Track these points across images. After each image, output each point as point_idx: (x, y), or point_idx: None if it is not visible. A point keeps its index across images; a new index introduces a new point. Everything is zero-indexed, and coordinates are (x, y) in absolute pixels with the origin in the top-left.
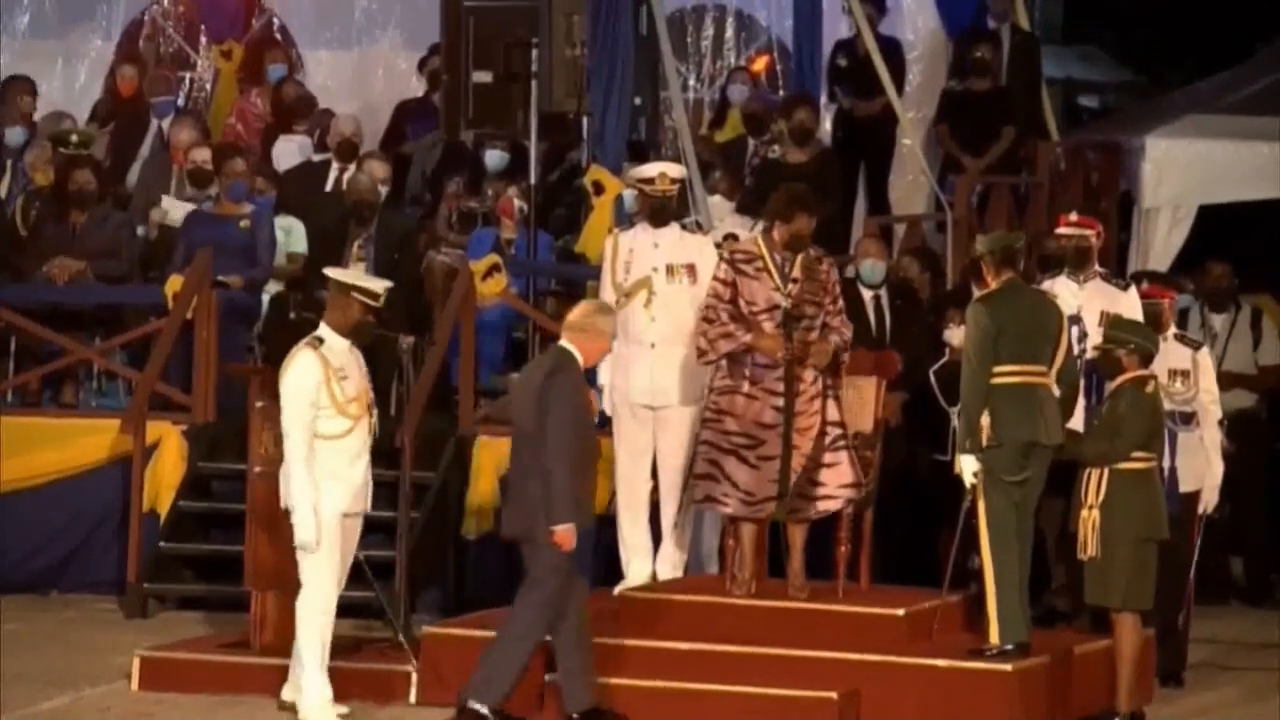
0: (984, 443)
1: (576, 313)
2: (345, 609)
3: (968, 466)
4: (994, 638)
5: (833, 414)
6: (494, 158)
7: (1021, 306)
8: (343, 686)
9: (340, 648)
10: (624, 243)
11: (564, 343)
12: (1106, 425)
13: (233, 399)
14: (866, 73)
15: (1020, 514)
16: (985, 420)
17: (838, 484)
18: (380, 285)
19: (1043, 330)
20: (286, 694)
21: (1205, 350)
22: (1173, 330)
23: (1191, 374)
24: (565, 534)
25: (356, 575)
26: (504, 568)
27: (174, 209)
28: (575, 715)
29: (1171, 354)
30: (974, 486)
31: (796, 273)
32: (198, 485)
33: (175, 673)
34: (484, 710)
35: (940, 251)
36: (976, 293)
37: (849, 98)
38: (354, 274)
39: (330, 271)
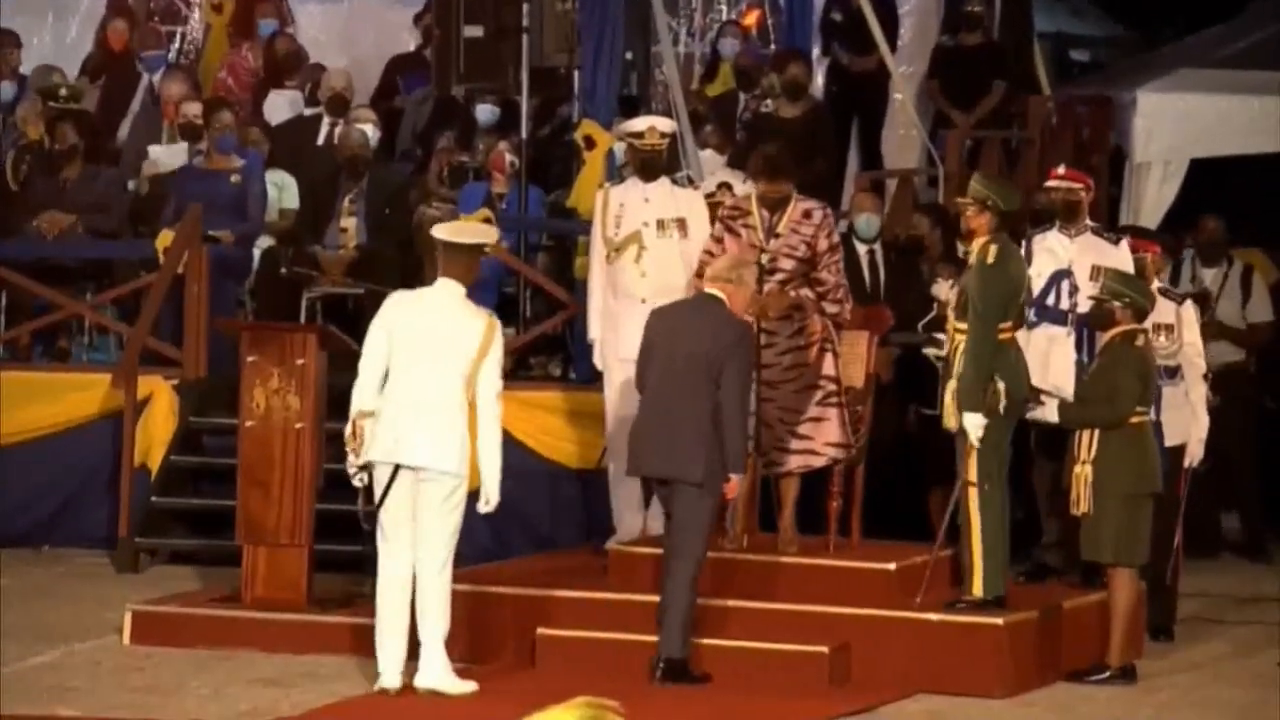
0: (1002, 402)
1: (725, 264)
2: (337, 564)
3: (973, 424)
4: (977, 589)
5: (828, 368)
6: (485, 113)
7: (1018, 262)
8: (338, 640)
9: (339, 602)
10: (614, 197)
11: (713, 290)
12: (1102, 386)
13: (224, 354)
14: (860, 27)
15: (1004, 465)
16: (1001, 385)
17: (823, 440)
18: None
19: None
20: (423, 680)
21: (1189, 304)
22: (1156, 284)
23: (1175, 328)
24: (738, 484)
25: (358, 528)
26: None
27: (165, 156)
28: (661, 662)
29: (1157, 308)
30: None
31: (781, 228)
32: (189, 440)
33: (166, 627)
34: (684, 658)
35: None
36: (977, 241)
37: (845, 52)
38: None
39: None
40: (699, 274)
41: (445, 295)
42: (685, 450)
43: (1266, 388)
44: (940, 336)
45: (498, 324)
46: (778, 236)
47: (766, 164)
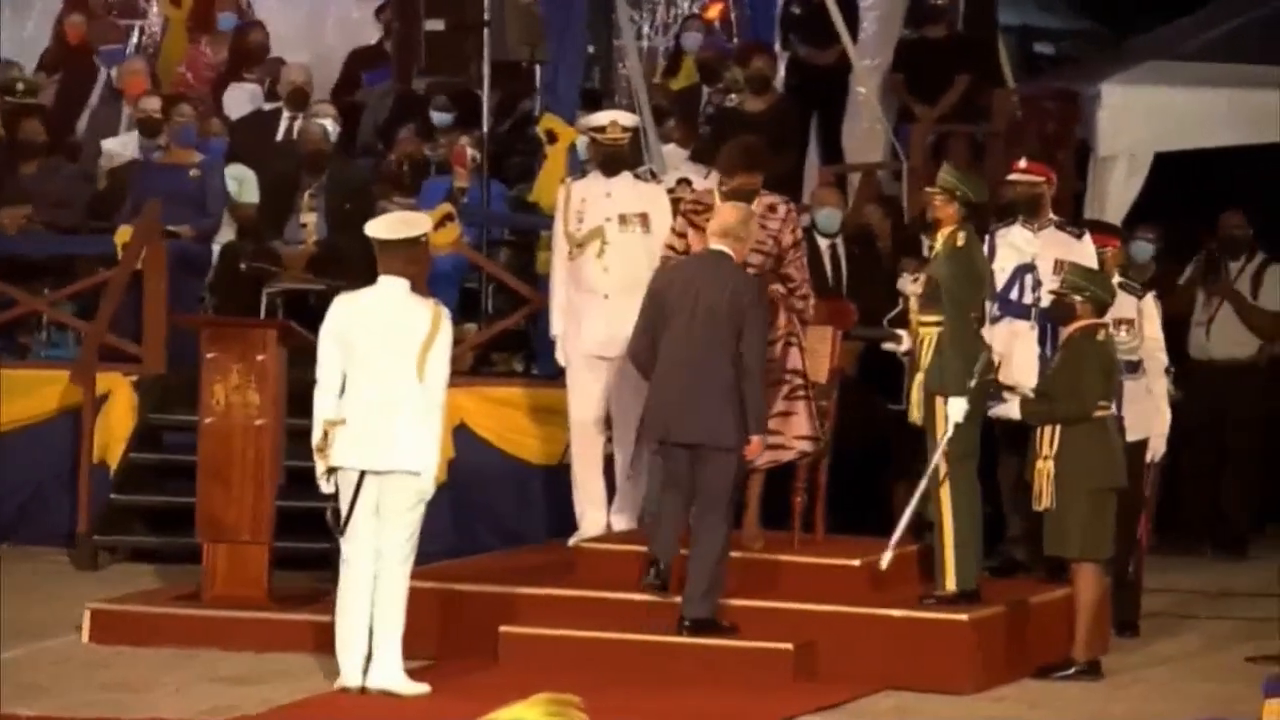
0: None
1: (733, 218)
2: (298, 561)
3: (958, 408)
4: (950, 584)
5: (794, 362)
6: (440, 118)
7: (982, 253)
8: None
9: (300, 600)
10: (576, 192)
11: (720, 246)
12: (1063, 381)
13: (183, 350)
14: (821, 20)
15: (976, 458)
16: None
17: (793, 434)
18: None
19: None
20: (375, 681)
21: (1150, 297)
22: (1117, 278)
23: (1136, 322)
24: (761, 444)
25: (319, 525)
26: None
27: (116, 147)
28: (688, 622)
29: (1117, 302)
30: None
31: None
32: (148, 437)
33: (126, 625)
34: (711, 617)
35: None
36: (944, 230)
37: (804, 46)
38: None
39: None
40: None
41: (388, 292)
42: (715, 414)
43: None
44: (900, 332)
45: (445, 313)
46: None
47: (746, 155)
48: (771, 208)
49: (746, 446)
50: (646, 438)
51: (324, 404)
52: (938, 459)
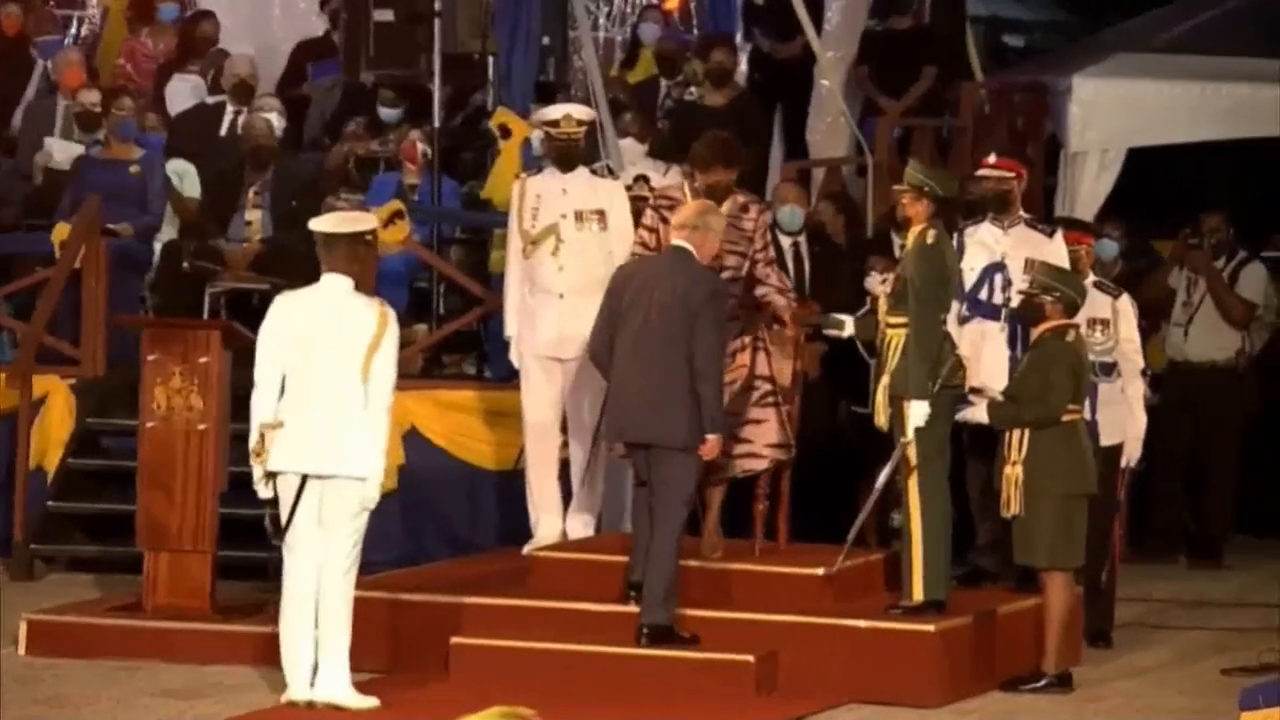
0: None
1: (691, 212)
2: (242, 570)
3: (919, 412)
4: (918, 593)
5: (761, 367)
6: (387, 114)
7: (952, 251)
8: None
9: (244, 610)
10: (531, 188)
11: (681, 242)
12: (1032, 384)
13: (123, 352)
14: (784, 11)
15: (946, 464)
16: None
17: (764, 443)
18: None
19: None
20: (321, 694)
21: (1125, 298)
22: (1092, 277)
23: (1112, 322)
24: (717, 443)
25: (259, 534)
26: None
27: (59, 151)
28: (646, 629)
29: (1091, 302)
30: (910, 439)
31: None
32: (87, 442)
33: (64, 637)
34: (670, 624)
35: (861, 197)
36: (914, 228)
37: (767, 39)
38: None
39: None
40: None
41: (331, 291)
42: (667, 413)
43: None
44: (840, 317)
45: (391, 313)
46: None
47: (723, 150)
48: (744, 207)
49: (702, 446)
50: (606, 438)
51: (261, 406)
52: (891, 467)
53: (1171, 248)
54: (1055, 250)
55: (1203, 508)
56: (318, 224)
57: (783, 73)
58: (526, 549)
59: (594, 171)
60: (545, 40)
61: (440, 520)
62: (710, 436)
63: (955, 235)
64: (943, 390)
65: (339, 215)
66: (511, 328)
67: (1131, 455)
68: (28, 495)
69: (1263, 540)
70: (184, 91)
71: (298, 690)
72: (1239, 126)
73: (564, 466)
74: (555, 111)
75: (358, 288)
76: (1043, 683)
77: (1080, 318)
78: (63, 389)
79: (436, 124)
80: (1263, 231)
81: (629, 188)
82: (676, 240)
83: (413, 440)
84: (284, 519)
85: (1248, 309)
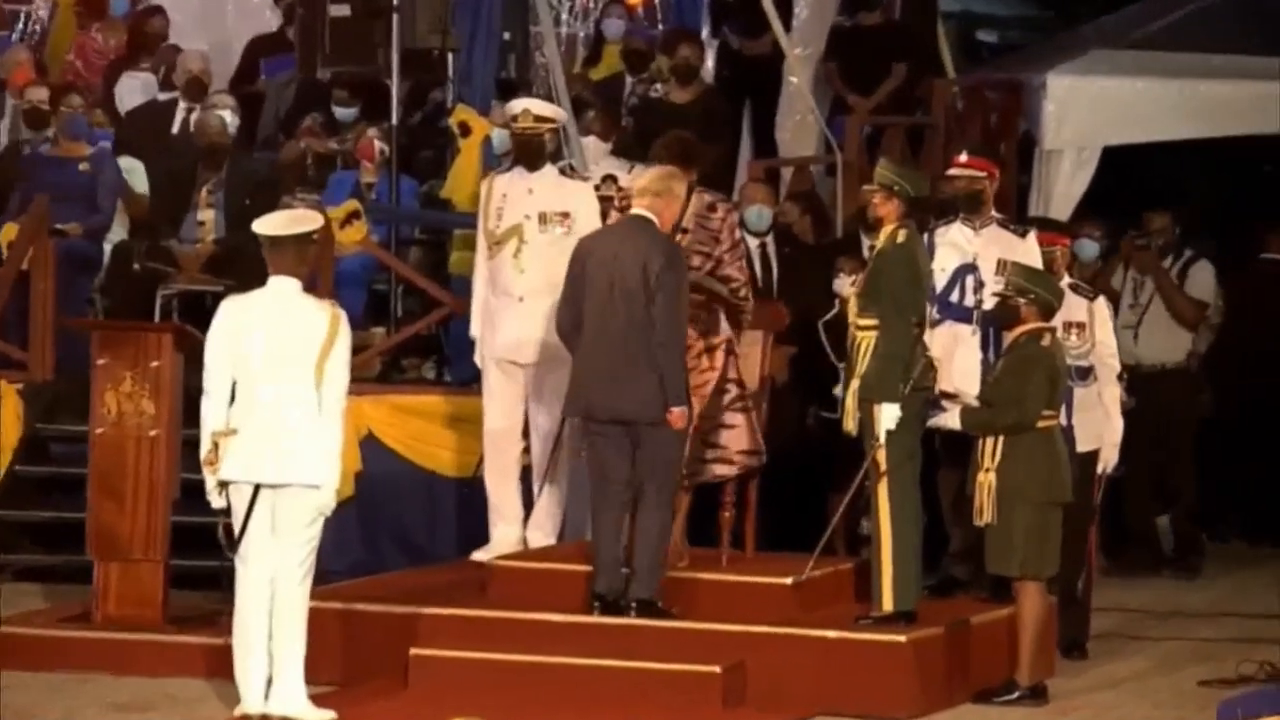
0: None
1: (652, 177)
2: (195, 579)
3: (890, 415)
4: (887, 603)
5: (731, 371)
6: (342, 113)
7: (924, 253)
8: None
9: (197, 621)
10: (498, 187)
11: (641, 210)
12: (1007, 389)
13: (73, 355)
14: (752, 7)
15: (916, 470)
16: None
17: (736, 449)
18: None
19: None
20: (276, 707)
21: (1102, 300)
22: (1067, 279)
23: (1088, 326)
24: (683, 415)
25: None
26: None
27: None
28: (634, 603)
29: (1067, 305)
30: (879, 444)
31: (687, 221)
32: (36, 448)
33: (11, 649)
34: (656, 598)
35: (830, 196)
36: (885, 228)
37: (736, 35)
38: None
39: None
40: None
41: (280, 293)
42: (643, 388)
43: (1214, 390)
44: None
45: (342, 315)
46: (684, 231)
47: (682, 149)
48: (711, 206)
49: (668, 416)
50: (568, 413)
51: (212, 414)
52: (864, 473)
53: (1121, 247)
54: (1028, 251)
55: (1175, 515)
56: (262, 225)
57: (751, 69)
58: (478, 555)
59: (563, 172)
60: (506, 36)
61: (398, 528)
62: (675, 409)
63: (926, 236)
64: (913, 392)
65: (284, 215)
66: (476, 329)
67: (1108, 461)
68: None
69: (1230, 546)
70: (135, 89)
71: (252, 703)
72: (1217, 124)
73: (525, 473)
74: (515, 106)
75: (306, 289)
76: (1016, 694)
77: (1055, 321)
78: (10, 393)
79: (394, 121)
80: (1242, 230)
81: (597, 188)
82: (637, 208)
83: (370, 446)
84: (237, 529)
85: (1199, 309)
